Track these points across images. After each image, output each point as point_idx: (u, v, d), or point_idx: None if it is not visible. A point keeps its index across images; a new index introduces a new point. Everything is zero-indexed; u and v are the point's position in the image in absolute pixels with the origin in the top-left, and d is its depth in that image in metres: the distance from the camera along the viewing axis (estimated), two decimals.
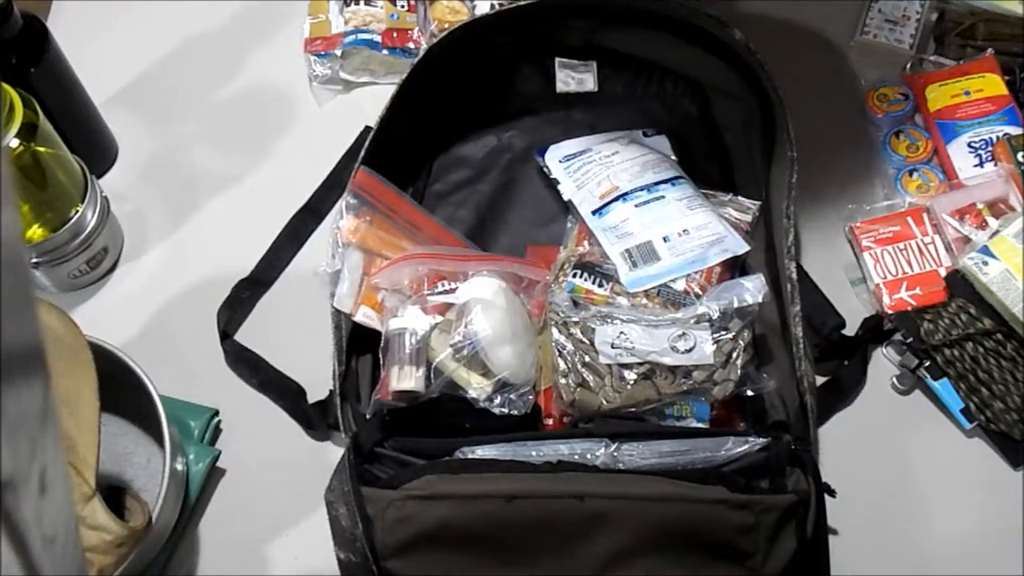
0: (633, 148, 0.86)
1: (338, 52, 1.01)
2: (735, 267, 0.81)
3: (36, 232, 0.85)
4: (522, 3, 0.85)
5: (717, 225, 0.80)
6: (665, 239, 0.79)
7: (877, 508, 0.78)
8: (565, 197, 0.85)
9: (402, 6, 1.02)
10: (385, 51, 1.00)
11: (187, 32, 1.07)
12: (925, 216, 0.87)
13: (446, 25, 0.98)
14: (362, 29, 1.01)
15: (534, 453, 0.68)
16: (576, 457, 0.68)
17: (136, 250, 0.94)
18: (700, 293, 0.77)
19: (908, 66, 0.98)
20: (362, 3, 1.03)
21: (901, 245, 0.86)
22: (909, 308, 0.83)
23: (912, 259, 0.85)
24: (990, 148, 0.90)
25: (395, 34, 1.01)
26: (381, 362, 0.75)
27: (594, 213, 0.82)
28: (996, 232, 0.82)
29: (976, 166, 0.90)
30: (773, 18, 1.02)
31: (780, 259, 0.77)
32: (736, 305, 0.74)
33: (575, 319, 0.74)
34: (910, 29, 0.98)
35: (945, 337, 0.80)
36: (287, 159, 0.99)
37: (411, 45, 1.01)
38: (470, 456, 0.68)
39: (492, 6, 0.99)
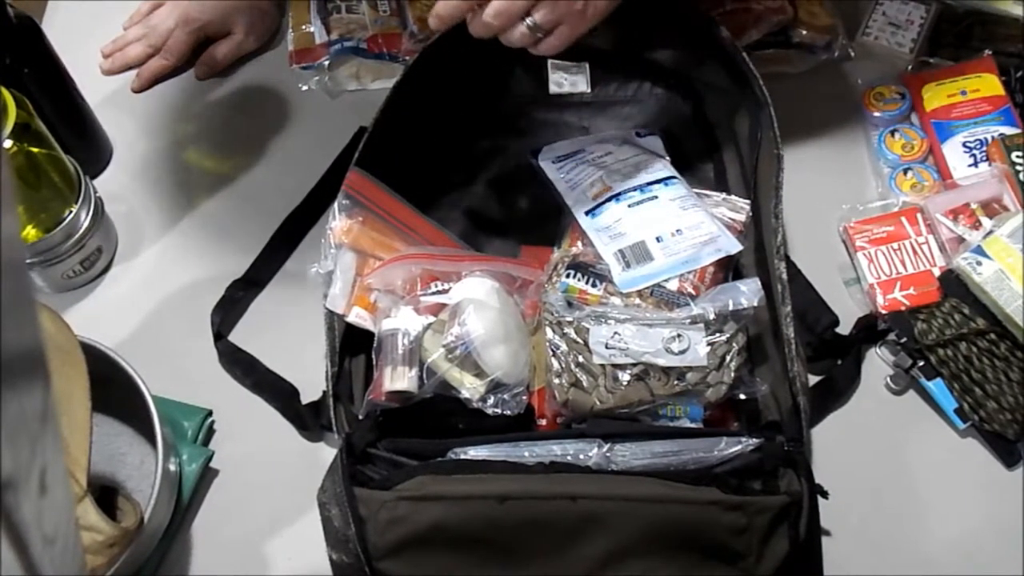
0: (626, 148, 0.86)
1: (325, 63, 1.00)
2: (728, 267, 0.81)
3: (30, 233, 0.85)
4: None
5: (710, 225, 0.79)
6: (658, 239, 0.79)
7: (871, 508, 0.78)
8: (558, 198, 0.85)
9: (384, 10, 1.02)
10: (372, 58, 1.00)
11: None
12: (919, 216, 0.87)
13: (426, 25, 0.98)
14: (347, 37, 1.01)
15: (527, 454, 0.68)
16: (569, 458, 0.68)
17: (130, 251, 0.94)
18: (693, 293, 0.77)
19: (908, 68, 0.98)
20: (344, 11, 1.02)
21: (895, 245, 0.86)
22: (903, 308, 0.83)
23: (906, 259, 0.85)
24: (985, 148, 0.90)
25: (380, 39, 1.01)
26: (374, 363, 0.75)
27: (587, 213, 0.82)
28: (990, 232, 0.82)
29: (971, 166, 0.90)
30: None
31: (770, 259, 0.77)
32: (731, 308, 0.74)
33: (569, 319, 0.74)
34: (912, 33, 0.98)
35: (939, 337, 0.80)
36: (281, 160, 0.99)
37: (396, 50, 1.00)
38: (463, 457, 0.68)
39: None
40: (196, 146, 1.01)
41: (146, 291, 0.92)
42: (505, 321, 0.75)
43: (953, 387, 0.80)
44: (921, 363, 0.81)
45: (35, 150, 0.82)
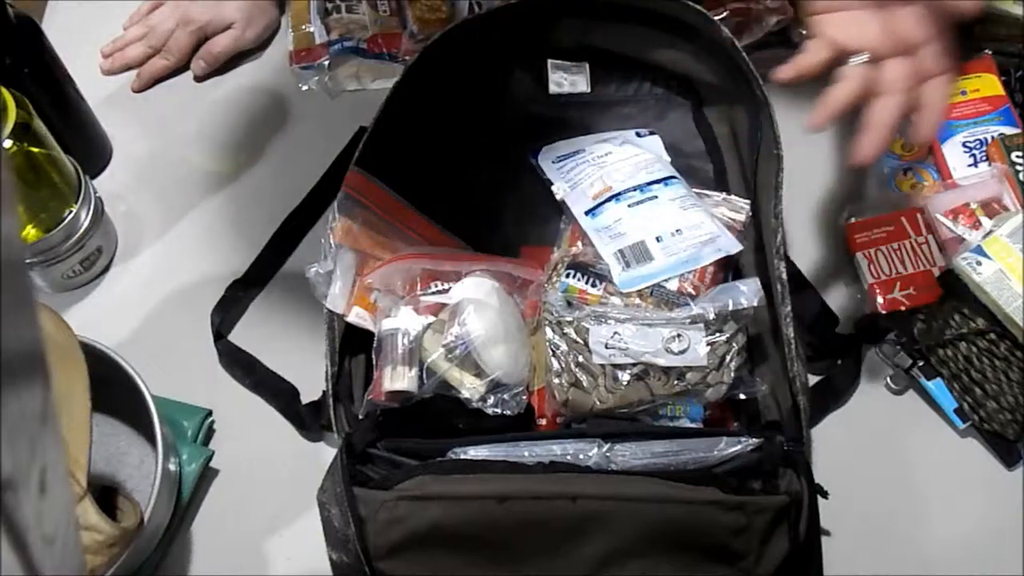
0: (626, 148, 0.86)
1: (325, 63, 1.00)
2: (728, 267, 0.81)
3: (30, 233, 0.85)
4: (512, 1, 0.85)
5: (710, 225, 0.79)
6: (658, 239, 0.79)
7: (870, 508, 0.78)
8: (558, 197, 0.85)
9: (384, 11, 1.02)
10: (372, 58, 1.00)
11: None
12: (919, 216, 0.87)
13: (425, 25, 0.98)
14: (346, 37, 1.01)
15: (527, 453, 0.68)
16: (568, 457, 0.68)
17: (130, 250, 0.94)
18: (693, 293, 0.77)
19: None
20: (343, 11, 1.03)
21: (895, 245, 0.86)
22: (903, 308, 0.83)
23: (906, 259, 0.85)
24: (984, 148, 0.90)
25: (380, 39, 1.01)
26: (374, 363, 0.75)
27: (587, 213, 0.82)
28: (990, 232, 0.82)
29: (971, 166, 0.90)
30: None
31: (770, 259, 0.77)
32: (731, 308, 0.74)
33: (569, 319, 0.74)
34: None
35: (939, 337, 0.80)
36: (281, 160, 0.99)
37: (396, 50, 1.00)
38: (462, 457, 0.68)
39: (471, 5, 0.99)
40: (196, 146, 1.01)
41: (146, 291, 0.92)
42: (505, 321, 0.75)
43: (953, 387, 0.80)
44: (921, 363, 0.81)
45: (35, 150, 0.82)
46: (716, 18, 0.85)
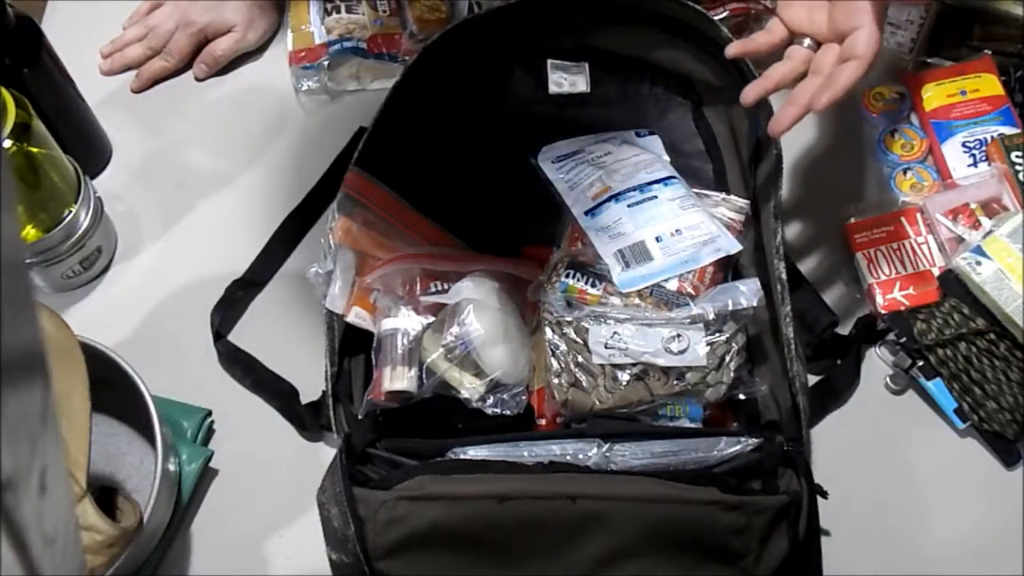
0: (626, 148, 0.86)
1: (325, 63, 1.00)
2: (728, 267, 0.81)
3: (30, 233, 0.85)
4: (512, 1, 0.85)
5: (710, 225, 0.79)
6: (658, 239, 0.79)
7: (870, 508, 0.78)
8: (558, 198, 0.85)
9: (384, 11, 1.02)
10: (372, 58, 1.00)
11: None
12: (919, 216, 0.87)
13: (425, 25, 0.98)
14: (346, 37, 1.01)
15: (526, 453, 0.68)
16: (568, 458, 0.68)
17: (130, 250, 0.94)
18: (693, 293, 0.77)
19: (908, 68, 0.98)
20: (343, 11, 1.03)
21: (895, 245, 0.86)
22: (902, 308, 0.83)
23: (906, 259, 0.85)
24: (984, 148, 0.90)
25: (380, 39, 1.01)
26: (374, 363, 0.75)
27: (587, 213, 0.82)
28: (989, 232, 0.82)
29: (970, 166, 0.90)
30: None
31: (769, 259, 0.77)
32: (731, 308, 0.74)
33: (569, 319, 0.74)
34: (911, 33, 0.97)
35: (938, 337, 0.80)
36: (281, 160, 0.99)
37: (396, 50, 1.00)
38: (462, 457, 0.68)
39: (471, 5, 0.99)
40: (196, 146, 1.01)
41: (146, 291, 0.92)
42: (505, 321, 0.75)
43: (952, 387, 0.80)
44: (920, 363, 0.81)
45: (35, 150, 0.82)
46: (716, 18, 0.85)
